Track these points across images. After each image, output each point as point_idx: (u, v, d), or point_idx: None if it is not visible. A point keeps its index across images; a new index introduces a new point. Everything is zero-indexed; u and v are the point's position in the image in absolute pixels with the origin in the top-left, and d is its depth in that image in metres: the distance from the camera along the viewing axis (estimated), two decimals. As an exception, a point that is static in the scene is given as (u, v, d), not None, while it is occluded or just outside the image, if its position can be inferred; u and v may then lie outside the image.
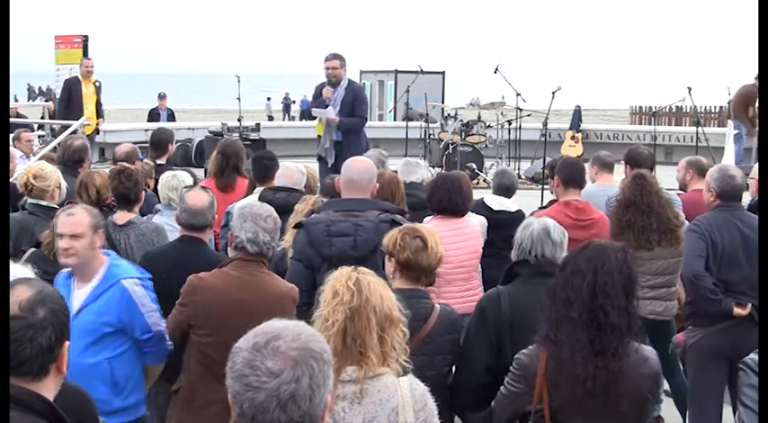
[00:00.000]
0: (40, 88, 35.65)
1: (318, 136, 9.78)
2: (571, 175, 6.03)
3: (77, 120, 12.49)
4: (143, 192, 5.82)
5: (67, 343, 2.23)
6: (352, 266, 3.19)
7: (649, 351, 3.37)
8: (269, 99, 47.38)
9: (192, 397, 4.12)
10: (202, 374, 4.09)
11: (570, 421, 3.21)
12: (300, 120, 41.67)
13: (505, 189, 6.67)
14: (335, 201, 4.87)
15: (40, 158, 7.12)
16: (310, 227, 4.54)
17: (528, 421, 3.29)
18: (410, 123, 15.35)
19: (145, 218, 5.77)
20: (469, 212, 6.02)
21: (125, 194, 5.59)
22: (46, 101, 24.07)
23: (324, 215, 4.59)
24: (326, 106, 9.49)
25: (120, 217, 5.51)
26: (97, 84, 13.84)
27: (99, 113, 13.74)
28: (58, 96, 15.13)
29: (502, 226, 6.04)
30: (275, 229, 4.18)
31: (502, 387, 3.49)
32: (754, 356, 2.75)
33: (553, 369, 3.20)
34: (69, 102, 13.47)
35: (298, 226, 4.69)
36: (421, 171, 6.82)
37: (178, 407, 4.21)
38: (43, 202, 5.76)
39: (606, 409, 3.14)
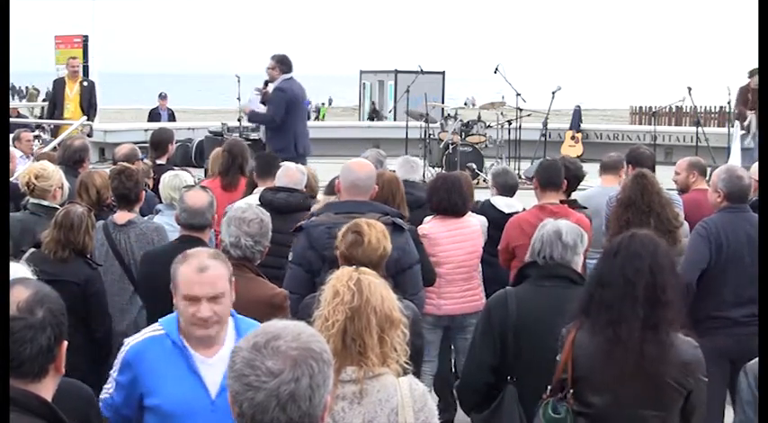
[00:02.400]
0: (26, 88, 35.20)
1: None
2: (548, 178, 5.95)
3: (61, 120, 12.59)
4: (143, 192, 5.83)
5: (65, 342, 2.23)
6: (354, 266, 3.19)
7: (682, 340, 3.47)
8: None
9: None
10: None
11: (590, 392, 3.44)
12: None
13: (510, 188, 6.63)
14: (335, 203, 4.87)
15: (40, 158, 7.11)
16: (311, 229, 4.54)
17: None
18: (410, 123, 15.35)
19: (146, 218, 5.77)
20: (469, 212, 6.02)
21: (125, 194, 5.60)
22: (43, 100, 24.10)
23: (324, 217, 4.59)
24: (263, 103, 9.98)
25: (121, 217, 5.52)
26: (85, 83, 13.77)
27: (89, 114, 13.47)
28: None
29: None
30: (261, 232, 4.17)
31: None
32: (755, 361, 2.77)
33: (597, 344, 3.40)
34: (55, 103, 13.59)
35: (297, 229, 4.69)
36: (419, 170, 6.82)
37: None
38: (45, 202, 5.76)
39: (641, 383, 3.30)
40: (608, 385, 3.40)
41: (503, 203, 6.42)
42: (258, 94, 10.01)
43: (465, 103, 17.35)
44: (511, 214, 6.23)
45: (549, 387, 3.53)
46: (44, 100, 24.76)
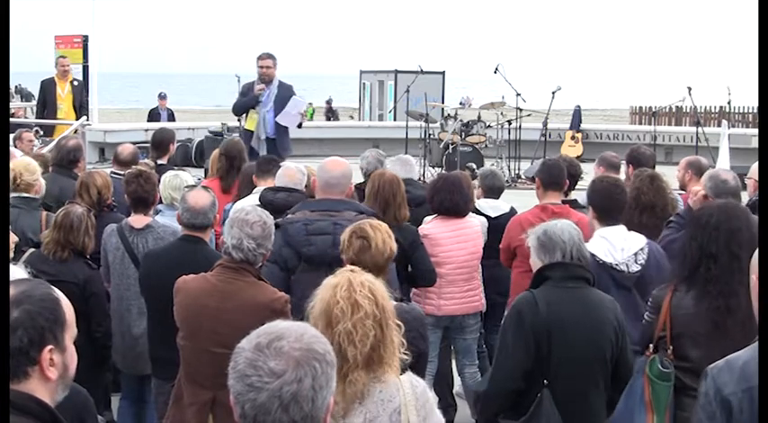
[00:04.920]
0: (16, 87, 34.87)
1: (247, 130, 10.07)
2: (550, 177, 5.89)
3: (55, 120, 12.52)
4: (158, 194, 5.83)
5: (49, 347, 2.14)
6: (349, 269, 3.13)
7: None
8: None
9: (180, 394, 4.20)
10: (185, 376, 4.18)
11: (689, 348, 3.89)
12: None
13: (497, 191, 6.60)
14: (311, 201, 4.87)
15: (35, 158, 7.10)
16: (287, 226, 4.51)
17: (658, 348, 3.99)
18: (410, 123, 15.35)
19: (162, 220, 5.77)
20: (470, 212, 6.01)
21: (144, 198, 5.55)
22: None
23: (300, 215, 4.57)
24: (258, 102, 9.85)
25: (138, 220, 5.48)
26: (75, 82, 13.62)
27: (80, 113, 13.37)
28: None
29: (501, 229, 6.04)
30: (264, 235, 4.08)
31: (643, 321, 4.12)
32: (718, 363, 2.76)
33: (705, 311, 3.82)
34: (45, 103, 13.35)
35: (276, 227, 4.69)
36: (415, 168, 6.80)
37: (172, 402, 4.28)
38: (25, 195, 5.79)
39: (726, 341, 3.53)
40: (709, 344, 3.74)
41: (488, 206, 6.37)
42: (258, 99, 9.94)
43: (461, 103, 17.11)
44: (497, 217, 6.22)
45: (650, 345, 3.97)
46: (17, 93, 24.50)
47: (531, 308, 3.96)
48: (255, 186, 6.46)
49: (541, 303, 3.95)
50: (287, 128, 9.95)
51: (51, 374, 2.15)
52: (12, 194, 5.81)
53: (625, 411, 4.10)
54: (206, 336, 4.02)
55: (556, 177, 5.92)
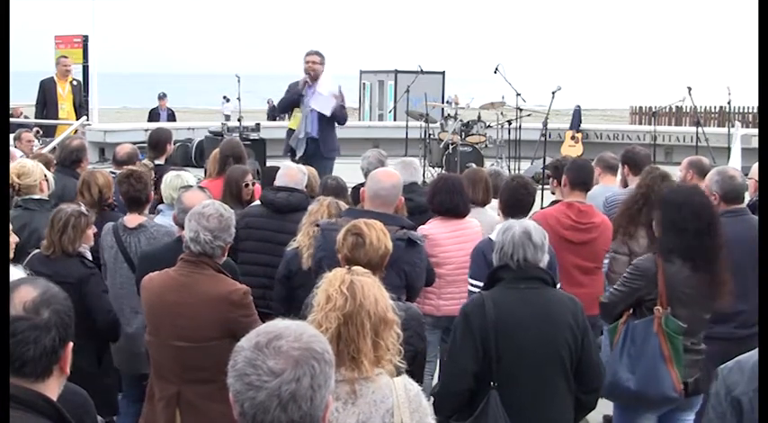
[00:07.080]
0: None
1: (290, 129, 9.98)
2: (579, 177, 5.91)
3: (57, 120, 12.49)
4: (152, 193, 5.83)
5: (71, 343, 2.22)
6: (347, 267, 3.18)
7: None
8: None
9: (152, 390, 4.24)
10: (153, 371, 4.23)
11: (677, 306, 4.54)
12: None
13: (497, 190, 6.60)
14: (358, 211, 4.85)
15: (35, 158, 7.10)
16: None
17: (641, 307, 4.60)
18: (410, 123, 15.35)
19: (155, 219, 5.76)
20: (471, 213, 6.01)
21: (136, 197, 5.57)
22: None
23: (343, 222, 4.58)
24: (301, 96, 9.73)
25: (131, 220, 5.50)
26: (74, 82, 13.60)
27: (79, 113, 13.42)
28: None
29: None
30: (220, 227, 4.09)
31: (618, 288, 4.71)
32: (728, 364, 2.77)
33: (686, 272, 4.52)
34: (45, 103, 13.27)
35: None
36: (419, 171, 6.76)
37: (146, 399, 4.31)
38: (37, 196, 5.78)
39: (704, 300, 4.61)
40: (693, 300, 4.55)
41: (489, 207, 6.34)
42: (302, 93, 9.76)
43: (447, 102, 17.02)
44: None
45: (655, 307, 4.52)
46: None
47: (479, 310, 3.92)
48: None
49: (489, 305, 3.90)
50: (333, 127, 9.82)
51: (68, 368, 2.22)
52: (22, 197, 5.81)
53: (648, 373, 4.49)
54: (168, 330, 4.05)
55: (584, 177, 5.97)
